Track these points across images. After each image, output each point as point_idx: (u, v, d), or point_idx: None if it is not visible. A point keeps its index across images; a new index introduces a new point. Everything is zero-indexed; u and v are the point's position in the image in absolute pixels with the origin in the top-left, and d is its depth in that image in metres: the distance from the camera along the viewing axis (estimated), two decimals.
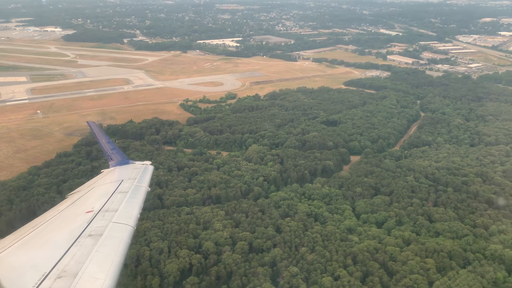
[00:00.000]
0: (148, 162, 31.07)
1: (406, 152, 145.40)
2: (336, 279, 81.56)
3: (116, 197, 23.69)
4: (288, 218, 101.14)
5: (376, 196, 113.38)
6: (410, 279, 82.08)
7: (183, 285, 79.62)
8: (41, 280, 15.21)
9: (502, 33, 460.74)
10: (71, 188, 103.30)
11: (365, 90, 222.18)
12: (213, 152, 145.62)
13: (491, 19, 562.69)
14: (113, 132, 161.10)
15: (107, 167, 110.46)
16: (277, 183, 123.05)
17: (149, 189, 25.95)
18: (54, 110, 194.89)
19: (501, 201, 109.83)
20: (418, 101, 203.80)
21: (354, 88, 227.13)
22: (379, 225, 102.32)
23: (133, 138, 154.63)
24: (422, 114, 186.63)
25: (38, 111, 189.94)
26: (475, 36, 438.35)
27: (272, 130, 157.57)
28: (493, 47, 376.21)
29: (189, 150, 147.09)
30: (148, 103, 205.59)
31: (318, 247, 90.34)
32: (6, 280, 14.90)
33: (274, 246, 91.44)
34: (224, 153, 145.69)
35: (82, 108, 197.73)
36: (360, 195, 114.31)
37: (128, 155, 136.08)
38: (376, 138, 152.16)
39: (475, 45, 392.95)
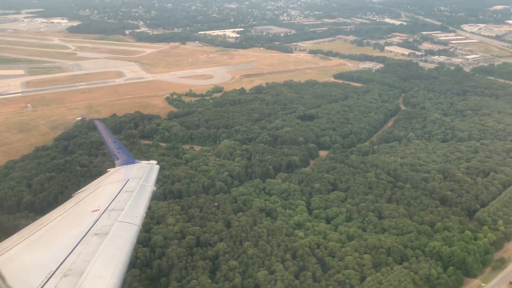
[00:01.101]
0: (154, 162, 31.76)
1: (375, 147, 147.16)
2: (271, 273, 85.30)
3: (122, 196, 23.89)
4: (240, 213, 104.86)
5: (332, 192, 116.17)
6: (343, 274, 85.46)
7: (125, 277, 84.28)
8: (47, 278, 15.32)
9: (510, 21, 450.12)
10: (41, 183, 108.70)
11: (352, 84, 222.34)
12: (187, 147, 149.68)
13: (503, 6, 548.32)
14: (94, 126, 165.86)
15: (86, 163, 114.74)
16: (241, 178, 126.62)
17: (155, 188, 26.41)
18: (44, 103, 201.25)
19: None
20: (403, 95, 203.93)
21: (341, 81, 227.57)
22: (329, 220, 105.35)
23: (113, 133, 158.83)
24: (403, 108, 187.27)
25: (28, 105, 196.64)
26: (481, 25, 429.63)
27: (248, 125, 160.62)
28: (497, 37, 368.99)
29: (165, 145, 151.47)
30: (135, 97, 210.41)
31: (262, 241, 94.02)
32: (13, 278, 14.61)
33: (221, 240, 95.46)
34: (197, 148, 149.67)
35: (71, 102, 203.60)
36: (317, 191, 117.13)
37: (103, 150, 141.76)
38: (348, 133, 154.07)
39: (479, 35, 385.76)
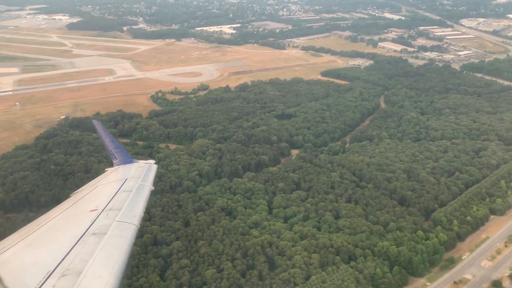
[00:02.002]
0: (152, 161, 31.48)
1: (346, 146, 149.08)
2: (219, 271, 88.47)
3: (120, 196, 23.89)
4: (200, 212, 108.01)
5: (295, 191, 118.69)
6: (289, 273, 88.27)
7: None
8: (45, 278, 15.32)
9: (511, 15, 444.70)
10: (14, 182, 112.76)
11: (337, 81, 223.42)
12: (163, 146, 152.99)
13: (507, 0, 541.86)
14: (76, 125, 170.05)
15: (61, 162, 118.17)
16: (210, 177, 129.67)
17: (153, 188, 26.47)
18: (32, 102, 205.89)
19: None
20: (386, 93, 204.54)
21: (326, 79, 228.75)
22: (287, 219, 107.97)
23: (93, 131, 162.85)
24: (383, 106, 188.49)
25: (17, 103, 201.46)
26: (480, 19, 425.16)
27: (225, 124, 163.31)
28: (494, 32, 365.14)
29: (142, 143, 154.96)
30: (122, 95, 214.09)
31: (216, 240, 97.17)
32: (11, 278, 14.82)
33: (177, 239, 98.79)
34: (173, 147, 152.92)
35: (59, 100, 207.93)
36: (281, 190, 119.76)
37: (79, 148, 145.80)
38: (321, 132, 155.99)
39: (477, 29, 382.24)
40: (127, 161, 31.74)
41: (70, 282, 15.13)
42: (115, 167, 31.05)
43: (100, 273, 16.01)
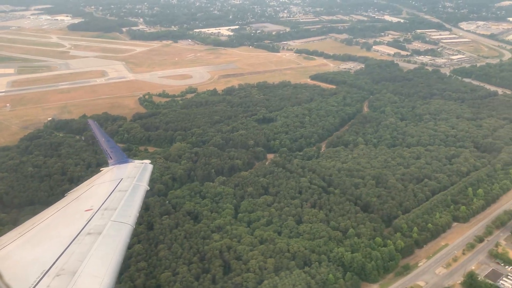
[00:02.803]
0: (148, 161, 31.77)
1: (321, 151, 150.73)
2: (174, 275, 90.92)
3: (116, 195, 23.85)
4: (166, 216, 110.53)
5: (262, 196, 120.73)
6: (243, 277, 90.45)
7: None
8: (40, 277, 15.42)
9: (511, 19, 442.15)
10: None
11: (324, 85, 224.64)
12: (142, 149, 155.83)
13: (510, 2, 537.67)
14: (61, 127, 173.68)
15: (39, 164, 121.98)
16: (182, 181, 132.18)
17: (148, 188, 26.39)
18: (23, 103, 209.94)
19: None
20: (370, 97, 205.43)
21: (313, 83, 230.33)
22: (250, 224, 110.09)
23: (77, 133, 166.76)
24: (366, 111, 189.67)
25: (8, 104, 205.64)
26: (480, 23, 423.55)
27: (205, 127, 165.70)
28: (491, 36, 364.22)
29: (122, 146, 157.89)
30: (111, 97, 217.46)
31: (176, 244, 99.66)
32: (6, 277, 14.97)
33: (139, 242, 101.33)
34: (152, 149, 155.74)
35: (48, 102, 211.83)
36: (249, 195, 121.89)
37: (59, 150, 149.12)
38: (298, 137, 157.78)
39: (475, 33, 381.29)
40: (122, 160, 31.88)
41: (65, 282, 15.35)
42: (110, 167, 31.21)
43: (95, 273, 16.21)
